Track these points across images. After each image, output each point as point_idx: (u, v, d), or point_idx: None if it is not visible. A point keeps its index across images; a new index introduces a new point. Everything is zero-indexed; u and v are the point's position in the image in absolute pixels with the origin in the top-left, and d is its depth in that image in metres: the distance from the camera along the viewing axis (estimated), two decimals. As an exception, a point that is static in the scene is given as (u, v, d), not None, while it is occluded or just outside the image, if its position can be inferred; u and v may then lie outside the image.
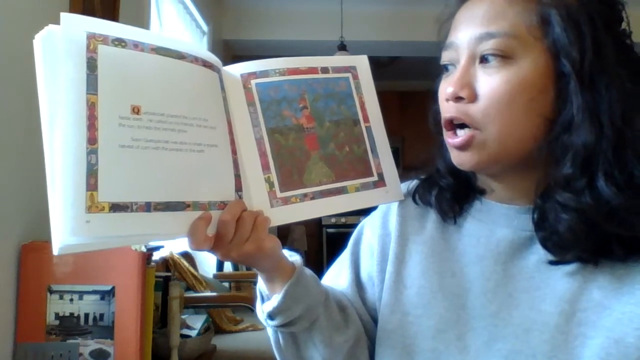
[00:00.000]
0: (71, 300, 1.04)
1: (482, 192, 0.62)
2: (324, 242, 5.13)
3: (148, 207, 0.56)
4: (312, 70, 0.73)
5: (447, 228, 0.64)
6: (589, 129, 0.51)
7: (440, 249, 0.63)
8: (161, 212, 0.57)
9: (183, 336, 1.39)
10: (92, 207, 0.52)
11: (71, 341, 1.04)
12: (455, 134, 0.58)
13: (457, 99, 0.56)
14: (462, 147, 0.57)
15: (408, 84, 5.11)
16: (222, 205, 0.61)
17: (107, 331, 1.04)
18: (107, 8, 1.71)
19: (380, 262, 0.71)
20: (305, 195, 0.68)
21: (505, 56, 0.53)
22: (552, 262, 0.54)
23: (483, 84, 0.55)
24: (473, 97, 0.55)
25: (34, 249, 1.06)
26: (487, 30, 0.54)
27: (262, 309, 0.68)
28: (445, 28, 0.63)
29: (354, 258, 0.76)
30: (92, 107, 0.53)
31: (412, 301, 0.64)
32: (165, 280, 1.33)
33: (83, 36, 0.53)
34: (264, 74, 0.70)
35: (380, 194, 0.73)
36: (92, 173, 0.52)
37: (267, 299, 0.68)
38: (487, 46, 0.54)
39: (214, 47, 3.37)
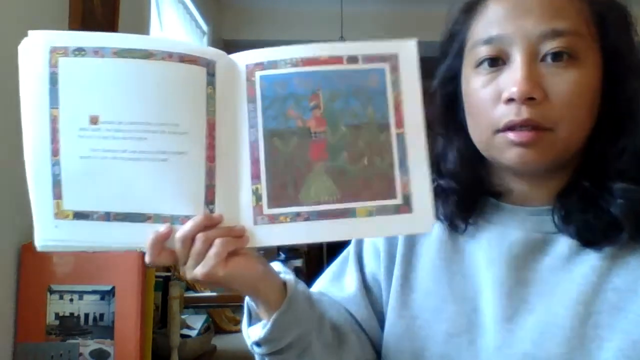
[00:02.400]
0: (71, 300, 1.04)
1: (495, 194, 0.59)
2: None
3: (107, 216, 0.55)
4: (335, 60, 0.59)
5: (455, 232, 0.62)
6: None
7: (449, 251, 0.61)
8: (120, 222, 0.54)
9: (183, 336, 1.38)
10: (59, 214, 0.54)
11: (71, 341, 1.04)
12: (515, 130, 0.54)
13: (528, 99, 0.52)
14: (529, 145, 0.53)
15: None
16: (186, 219, 0.55)
17: (107, 331, 1.03)
18: (108, 10, 1.68)
19: (387, 264, 0.67)
20: (298, 214, 0.57)
21: (573, 55, 0.52)
22: (585, 246, 0.54)
23: (554, 84, 0.52)
24: (544, 98, 0.52)
25: (34, 249, 1.06)
26: (553, 26, 0.51)
27: (248, 334, 0.61)
28: (463, 17, 0.59)
29: (358, 258, 0.71)
30: (54, 121, 0.54)
31: (421, 305, 0.62)
32: (165, 280, 1.31)
33: (47, 51, 0.54)
34: (273, 64, 0.59)
35: (401, 223, 0.58)
36: (56, 183, 0.54)
37: (255, 319, 0.61)
38: (555, 44, 0.52)
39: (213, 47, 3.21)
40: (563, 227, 0.54)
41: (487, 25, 0.55)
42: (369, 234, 0.61)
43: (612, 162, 0.54)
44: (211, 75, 0.57)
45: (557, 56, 0.52)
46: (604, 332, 0.51)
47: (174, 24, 2.48)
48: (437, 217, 0.62)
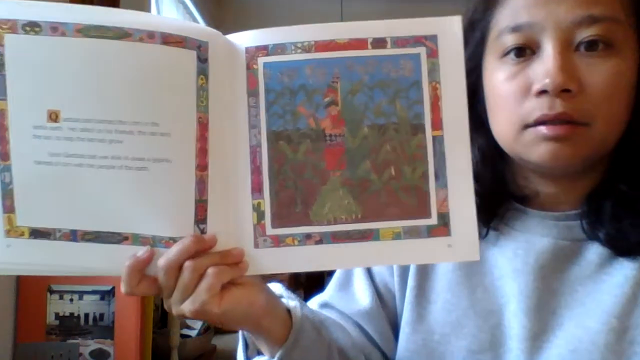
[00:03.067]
0: (71, 300, 1.02)
1: (520, 198, 0.55)
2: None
3: (74, 235, 0.45)
4: (357, 43, 0.47)
5: None
6: None
7: (470, 262, 0.54)
8: (90, 242, 0.45)
9: (183, 336, 1.37)
10: (11, 231, 0.45)
11: (71, 341, 1.03)
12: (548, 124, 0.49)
13: (563, 91, 0.47)
14: (563, 139, 0.48)
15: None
16: (171, 242, 0.45)
17: (107, 331, 1.02)
18: (107, 7, 1.62)
19: (401, 272, 0.61)
20: (308, 236, 0.47)
21: (609, 44, 0.48)
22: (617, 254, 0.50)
23: (591, 75, 0.48)
24: (580, 90, 0.47)
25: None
26: (589, 12, 0.47)
27: None
28: (485, 3, 0.54)
29: (368, 268, 0.63)
30: (2, 116, 0.43)
31: (438, 318, 0.57)
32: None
33: None
34: (279, 48, 0.48)
35: (436, 248, 0.47)
36: (7, 193, 0.44)
37: (253, 350, 0.52)
38: (591, 32, 0.47)
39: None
40: (593, 233, 0.51)
41: (514, 12, 0.50)
42: (396, 260, 0.50)
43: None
44: (203, 61, 0.46)
45: (592, 45, 0.47)
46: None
47: None
48: None
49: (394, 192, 0.47)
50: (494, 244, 0.56)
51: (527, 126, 0.49)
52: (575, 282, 0.51)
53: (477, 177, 0.52)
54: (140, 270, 0.44)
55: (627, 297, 0.49)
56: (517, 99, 0.49)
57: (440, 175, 0.47)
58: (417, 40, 0.47)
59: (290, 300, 0.52)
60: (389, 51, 0.47)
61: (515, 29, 0.50)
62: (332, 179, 0.47)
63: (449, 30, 0.47)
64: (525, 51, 0.50)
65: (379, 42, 0.47)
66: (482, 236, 0.55)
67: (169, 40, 0.45)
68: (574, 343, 0.49)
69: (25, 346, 1.03)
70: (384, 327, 0.61)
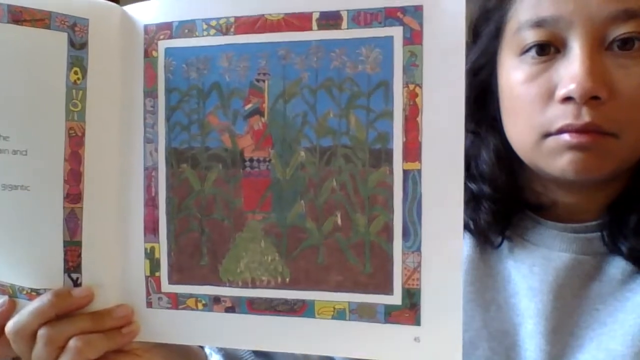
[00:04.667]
0: None
1: (535, 207, 0.50)
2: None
3: None
4: (297, 20, 0.31)
5: (486, 251, 0.53)
6: None
7: (481, 274, 0.52)
8: None
9: None
10: None
11: None
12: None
13: (592, 98, 0.42)
14: (588, 148, 0.43)
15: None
16: (34, 294, 0.34)
17: None
18: None
19: None
20: (217, 299, 0.33)
21: None
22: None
23: (624, 79, 0.42)
24: (610, 96, 0.42)
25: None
26: (626, 6, 0.42)
27: None
28: None
29: None
30: None
31: None
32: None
33: None
34: (187, 28, 0.33)
35: (397, 339, 0.31)
36: None
37: None
38: (627, 28, 0.42)
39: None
40: (615, 246, 0.48)
41: (537, 3, 0.44)
42: (333, 349, 0.35)
43: None
44: (79, 47, 0.33)
45: (627, 43, 0.43)
46: None
47: None
48: (467, 228, 0.52)
49: (338, 250, 0.31)
50: (508, 257, 0.52)
51: (548, 134, 0.44)
52: (596, 299, 0.49)
53: (492, 181, 0.51)
54: None
55: None
56: (538, 104, 0.44)
57: (412, 231, 0.30)
58: (389, 15, 0.30)
59: (214, 355, 0.41)
60: (343, 33, 0.31)
61: (538, 24, 0.44)
62: (252, 224, 0.32)
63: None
64: (548, 49, 0.44)
65: (330, 18, 0.31)
66: (495, 246, 0.51)
67: (23, 16, 0.32)
68: None
69: None
70: None
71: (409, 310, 0.31)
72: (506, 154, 0.51)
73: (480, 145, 0.53)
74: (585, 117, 0.42)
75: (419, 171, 0.30)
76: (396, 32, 0.30)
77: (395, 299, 0.31)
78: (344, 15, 0.30)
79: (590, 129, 0.43)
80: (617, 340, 0.47)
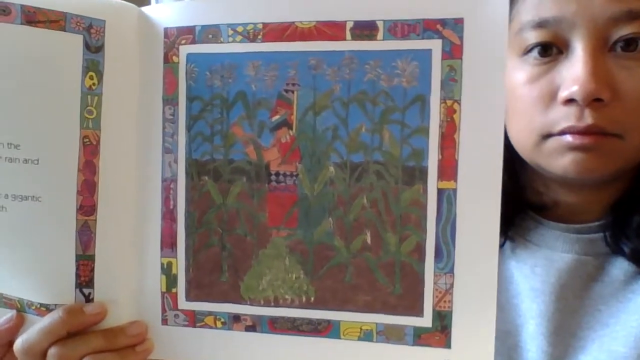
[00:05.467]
0: None
1: (537, 207, 0.51)
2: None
3: None
4: (330, 28, 0.30)
5: None
6: None
7: None
8: None
9: None
10: None
11: None
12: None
13: (594, 101, 0.42)
14: (590, 149, 0.43)
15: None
16: (44, 310, 0.32)
17: None
18: None
19: None
20: (237, 317, 0.32)
21: None
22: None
23: (627, 80, 0.42)
24: (613, 98, 0.42)
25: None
26: (630, 6, 0.41)
27: None
28: None
29: None
30: None
31: None
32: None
33: None
34: (211, 32, 0.31)
35: None
36: None
37: None
38: (631, 29, 0.42)
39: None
40: (617, 247, 0.48)
41: (539, 3, 0.44)
42: None
43: None
44: (94, 50, 0.31)
45: (630, 44, 0.43)
46: None
47: None
48: None
49: (367, 269, 0.30)
50: (510, 258, 0.52)
51: (550, 135, 0.45)
52: (599, 300, 0.49)
53: None
54: (7, 340, 0.33)
55: None
56: (539, 105, 0.44)
57: (445, 251, 0.29)
58: (428, 27, 0.29)
59: None
60: (379, 44, 0.29)
61: (541, 24, 0.44)
62: (276, 241, 0.31)
63: (487, 10, 0.28)
64: (551, 50, 0.44)
65: (365, 28, 0.29)
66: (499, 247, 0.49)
67: (37, 17, 0.30)
68: None
69: None
70: None
71: (440, 332, 0.30)
72: (508, 154, 0.50)
73: None
74: (588, 119, 0.42)
75: (455, 191, 0.29)
76: (435, 45, 0.29)
77: (426, 321, 0.30)
78: (380, 25, 0.29)
79: (593, 130, 0.43)
80: (619, 341, 0.47)
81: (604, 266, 0.50)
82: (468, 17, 0.28)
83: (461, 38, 0.29)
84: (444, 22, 0.29)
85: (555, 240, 0.51)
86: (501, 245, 0.50)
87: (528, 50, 0.45)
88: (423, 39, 0.29)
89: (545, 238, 0.51)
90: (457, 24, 0.29)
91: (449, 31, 0.29)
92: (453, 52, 0.29)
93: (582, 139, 0.43)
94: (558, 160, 0.45)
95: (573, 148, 0.44)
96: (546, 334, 0.49)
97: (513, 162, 0.51)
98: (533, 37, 0.44)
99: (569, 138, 0.44)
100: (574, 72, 0.42)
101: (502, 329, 0.51)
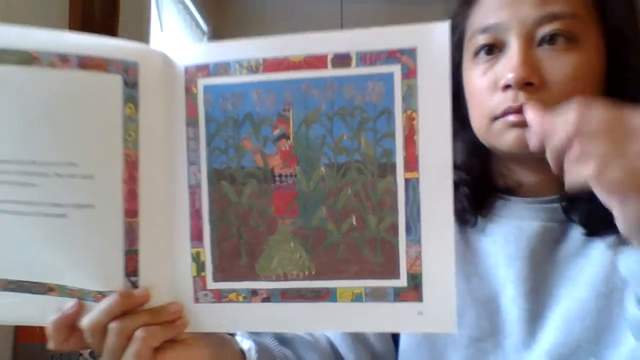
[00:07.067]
0: None
1: (505, 189, 0.58)
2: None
3: None
4: (315, 61, 0.38)
5: (465, 229, 0.59)
6: None
7: (462, 251, 0.58)
8: (13, 292, 0.42)
9: None
10: None
11: None
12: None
13: (526, 85, 0.49)
14: (527, 125, 0.47)
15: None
16: (100, 296, 0.40)
17: None
18: (108, 10, 1.56)
19: None
20: (254, 292, 0.40)
21: (571, 38, 0.51)
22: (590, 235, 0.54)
23: (552, 68, 0.50)
24: (542, 83, 0.50)
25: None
26: (549, 10, 0.50)
27: None
28: (462, 8, 0.56)
29: None
30: None
31: None
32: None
33: None
34: (222, 68, 0.39)
35: (404, 315, 0.39)
36: None
37: None
38: (552, 27, 0.50)
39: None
40: (569, 216, 0.55)
41: (484, 14, 0.54)
42: (355, 326, 0.42)
43: None
44: (131, 86, 0.39)
45: (553, 39, 0.51)
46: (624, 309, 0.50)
47: (174, 24, 2.42)
48: None
49: (355, 245, 0.39)
50: (484, 234, 0.58)
51: (496, 118, 0.52)
52: (565, 260, 0.54)
53: (467, 167, 0.58)
54: (68, 325, 0.40)
55: (606, 264, 0.52)
56: (487, 94, 0.52)
57: (413, 227, 0.38)
58: (390, 56, 0.37)
59: (245, 341, 0.47)
60: (353, 70, 0.38)
61: (485, 30, 0.53)
62: (282, 228, 0.39)
63: (433, 41, 0.37)
64: (494, 49, 0.53)
65: (342, 59, 0.38)
66: (472, 225, 0.58)
67: (87, 63, 0.38)
68: (569, 314, 0.52)
69: (25, 346, 1.02)
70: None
71: (414, 290, 0.38)
72: (477, 145, 0.57)
73: (455, 140, 0.61)
74: (522, 100, 0.49)
75: (417, 179, 0.38)
76: (396, 69, 0.37)
77: (402, 282, 0.38)
78: (353, 56, 0.38)
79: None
80: (582, 287, 0.53)
81: (566, 230, 0.55)
82: (420, 47, 0.37)
83: (415, 63, 0.37)
84: (402, 51, 0.37)
85: (522, 211, 0.57)
86: (474, 224, 0.57)
87: (478, 51, 0.53)
88: (387, 64, 0.38)
89: (514, 211, 0.57)
90: (412, 52, 0.37)
91: (406, 58, 0.37)
92: (409, 74, 0.37)
93: (519, 117, 0.50)
94: (504, 138, 0.52)
95: (513, 125, 0.50)
96: (524, 294, 0.54)
97: (482, 152, 0.57)
98: (480, 40, 0.53)
99: (510, 117, 0.51)
100: (509, 64, 0.50)
101: (484, 295, 0.56)
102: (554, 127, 0.40)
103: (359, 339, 0.56)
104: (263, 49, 0.39)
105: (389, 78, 0.38)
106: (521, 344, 0.53)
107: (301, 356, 0.52)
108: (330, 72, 0.38)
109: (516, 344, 0.53)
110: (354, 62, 0.38)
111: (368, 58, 0.38)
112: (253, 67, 0.39)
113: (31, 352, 1.03)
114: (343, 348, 0.56)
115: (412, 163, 0.38)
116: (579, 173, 0.39)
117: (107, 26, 1.60)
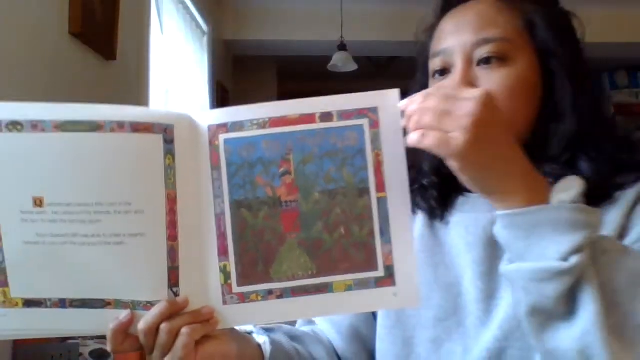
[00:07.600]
0: None
1: (467, 189, 0.64)
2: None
3: (63, 303, 0.51)
4: (307, 118, 0.53)
5: (434, 225, 0.67)
6: (572, 118, 0.61)
7: (431, 244, 0.66)
8: (77, 309, 0.51)
9: None
10: (6, 302, 0.51)
11: (71, 341, 1.03)
12: None
13: None
14: None
15: (408, 85, 4.42)
16: (149, 305, 0.51)
17: None
18: (108, 10, 1.61)
19: None
20: (270, 292, 0.53)
21: (502, 58, 0.60)
22: None
23: (485, 82, 0.60)
24: None
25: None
26: (483, 36, 0.61)
27: None
28: (425, 37, 0.69)
29: None
30: None
31: None
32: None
33: None
34: (238, 126, 0.53)
35: (383, 297, 0.53)
36: (0, 271, 0.50)
37: None
38: (485, 50, 0.60)
39: (214, 48, 3.21)
40: None
41: (438, 41, 0.64)
42: (348, 309, 0.56)
43: (546, 146, 0.62)
44: (169, 142, 0.52)
45: (487, 60, 0.60)
46: None
47: (174, 25, 2.42)
48: (421, 209, 0.69)
49: (344, 249, 0.53)
50: (450, 228, 0.66)
51: None
52: None
53: (434, 173, 0.66)
54: (123, 331, 0.51)
55: None
56: None
57: (385, 232, 0.53)
58: (360, 113, 0.53)
59: (260, 336, 0.59)
60: (335, 124, 0.53)
61: (437, 54, 0.64)
62: (289, 241, 0.53)
63: (388, 102, 0.53)
64: (444, 70, 0.63)
65: (326, 116, 0.53)
66: (440, 219, 0.67)
67: (138, 127, 0.50)
68: None
69: (25, 346, 1.03)
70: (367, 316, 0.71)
71: (389, 278, 0.53)
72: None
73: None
74: None
75: (385, 198, 0.53)
76: (365, 122, 0.53)
77: (380, 273, 0.53)
78: (335, 114, 0.53)
79: None
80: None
81: None
82: (380, 106, 0.53)
83: (377, 117, 0.53)
84: (368, 109, 0.53)
85: (479, 205, 0.63)
86: (441, 219, 0.66)
87: (434, 73, 0.64)
88: (358, 119, 0.53)
89: (473, 205, 0.65)
90: (375, 110, 0.53)
91: (371, 114, 0.53)
92: (374, 124, 0.53)
93: None
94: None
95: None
96: (480, 275, 0.61)
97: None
98: (435, 63, 0.63)
99: None
100: (452, 81, 0.61)
101: (449, 281, 0.63)
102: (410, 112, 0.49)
103: (353, 335, 0.67)
104: (268, 111, 0.53)
105: (360, 128, 0.53)
106: (479, 321, 0.60)
107: (309, 350, 0.64)
108: (318, 125, 0.53)
109: (475, 322, 0.60)
110: (335, 118, 0.53)
111: (345, 115, 0.53)
112: (262, 124, 0.53)
113: (31, 352, 1.03)
114: (340, 348, 0.67)
115: (380, 186, 0.53)
116: (424, 144, 0.48)
117: (107, 26, 1.59)
